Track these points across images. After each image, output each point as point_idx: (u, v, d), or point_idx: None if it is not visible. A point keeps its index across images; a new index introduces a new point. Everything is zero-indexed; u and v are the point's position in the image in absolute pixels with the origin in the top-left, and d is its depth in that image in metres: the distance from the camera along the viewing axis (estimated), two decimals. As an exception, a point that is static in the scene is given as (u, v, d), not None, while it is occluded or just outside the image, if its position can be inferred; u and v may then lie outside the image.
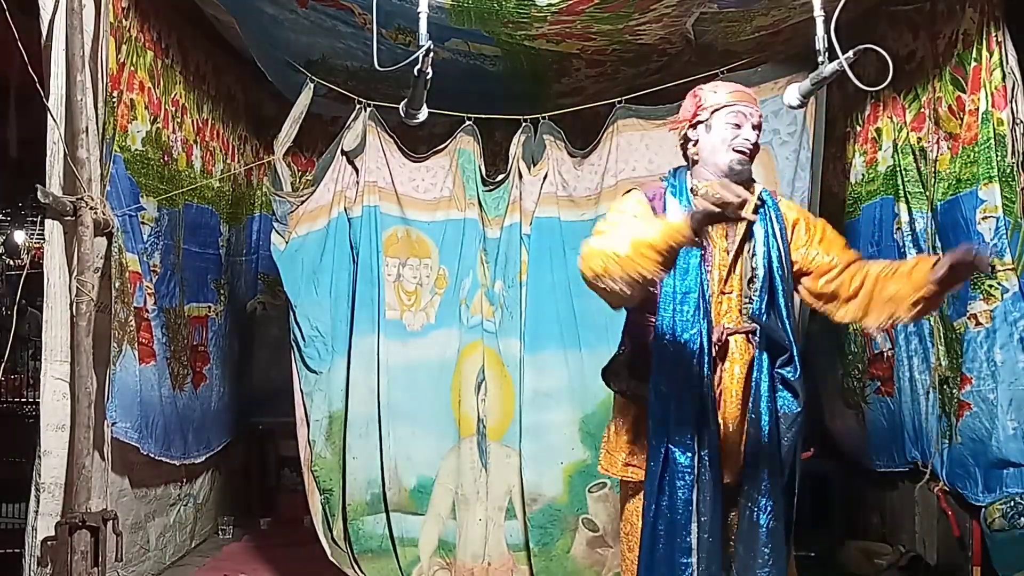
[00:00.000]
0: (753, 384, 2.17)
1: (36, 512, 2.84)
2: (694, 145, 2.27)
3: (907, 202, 3.38)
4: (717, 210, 1.83)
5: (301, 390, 3.63)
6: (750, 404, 2.17)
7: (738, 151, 2.18)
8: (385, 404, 3.64)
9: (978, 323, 3.01)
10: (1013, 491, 2.89)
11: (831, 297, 2.22)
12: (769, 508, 2.11)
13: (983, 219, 2.97)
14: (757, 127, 2.22)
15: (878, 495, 3.86)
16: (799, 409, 2.17)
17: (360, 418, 3.64)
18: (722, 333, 2.18)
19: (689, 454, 2.11)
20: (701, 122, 2.24)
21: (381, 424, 3.63)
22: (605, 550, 3.58)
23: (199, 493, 4.24)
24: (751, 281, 2.20)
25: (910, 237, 3.37)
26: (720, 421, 2.17)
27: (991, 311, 2.96)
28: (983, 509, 2.98)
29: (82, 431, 2.82)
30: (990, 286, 2.96)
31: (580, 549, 3.59)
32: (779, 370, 2.17)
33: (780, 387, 2.18)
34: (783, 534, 2.14)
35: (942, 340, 3.23)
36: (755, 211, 2.18)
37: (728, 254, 2.21)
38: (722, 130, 2.20)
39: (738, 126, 2.19)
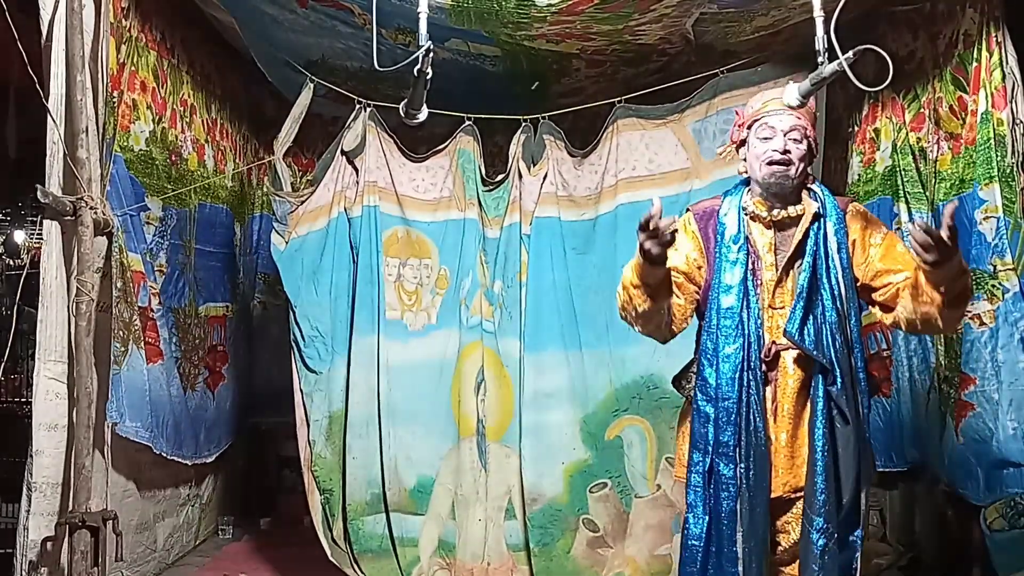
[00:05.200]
0: (810, 401, 2.15)
1: (28, 512, 2.84)
2: (744, 163, 2.29)
3: (907, 202, 3.37)
4: (643, 239, 1.98)
5: (301, 390, 3.64)
6: (807, 421, 2.15)
7: (771, 163, 2.16)
8: (385, 404, 3.64)
9: (982, 323, 3.01)
10: (1013, 491, 2.89)
11: (895, 311, 2.16)
12: (821, 527, 2.08)
13: (984, 219, 2.97)
14: (792, 132, 2.17)
15: (878, 495, 3.86)
16: (848, 426, 2.11)
17: (360, 418, 3.64)
18: (771, 348, 2.17)
19: (732, 466, 2.12)
20: (744, 140, 2.27)
21: (381, 424, 3.63)
22: (606, 550, 3.58)
23: (204, 493, 4.25)
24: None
25: (911, 237, 3.36)
26: (772, 435, 2.16)
27: (994, 311, 2.96)
28: (983, 509, 2.98)
29: (82, 431, 2.82)
30: (993, 286, 2.96)
31: (580, 549, 3.59)
32: (829, 387, 2.12)
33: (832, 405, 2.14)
34: (836, 554, 2.09)
35: (941, 340, 3.23)
36: (806, 229, 2.17)
37: (776, 269, 2.19)
38: (755, 145, 2.21)
39: (768, 138, 2.18)
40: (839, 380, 2.10)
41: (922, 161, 3.32)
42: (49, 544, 2.79)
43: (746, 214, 2.24)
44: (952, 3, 3.13)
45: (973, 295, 2.10)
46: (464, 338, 3.74)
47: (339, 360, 3.66)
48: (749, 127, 2.25)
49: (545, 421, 3.61)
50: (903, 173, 3.39)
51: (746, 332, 2.15)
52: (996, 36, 2.94)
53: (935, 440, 3.26)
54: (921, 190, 3.32)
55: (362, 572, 3.54)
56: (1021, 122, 2.92)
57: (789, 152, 2.16)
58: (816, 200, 2.22)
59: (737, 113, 2.35)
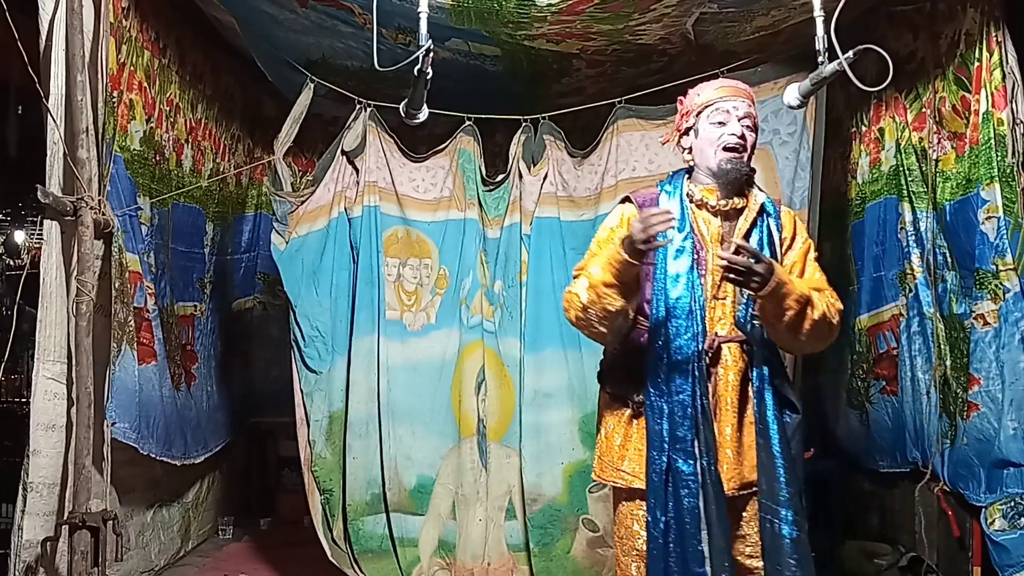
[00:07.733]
0: (755, 394, 2.13)
1: (23, 511, 2.83)
2: (689, 152, 2.26)
3: (911, 202, 3.37)
4: (642, 238, 1.94)
5: (301, 390, 3.64)
6: (755, 414, 2.13)
7: (727, 149, 2.14)
8: (385, 404, 3.64)
9: (986, 323, 3.00)
10: (1013, 491, 2.89)
11: None
12: (790, 518, 2.07)
13: (986, 219, 2.97)
14: (745, 119, 2.16)
15: (878, 495, 3.86)
16: (798, 416, 2.15)
17: (360, 418, 3.64)
18: (714, 340, 2.14)
19: (691, 461, 2.08)
20: (690, 128, 2.24)
21: (381, 424, 3.63)
22: (605, 550, 3.58)
23: (191, 493, 4.20)
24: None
25: (914, 237, 3.37)
26: (716, 429, 2.13)
27: (997, 311, 2.96)
28: (983, 509, 2.98)
29: (82, 431, 2.82)
30: (996, 287, 2.96)
31: (580, 549, 3.59)
32: (774, 379, 2.13)
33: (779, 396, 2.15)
34: (807, 543, 2.10)
35: (944, 340, 3.22)
36: (754, 219, 2.18)
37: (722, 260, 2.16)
38: (708, 130, 2.18)
39: (722, 123, 2.16)
40: (784, 368, 2.15)
41: (924, 161, 3.32)
42: (48, 544, 2.79)
43: (692, 202, 2.20)
44: (953, 3, 3.12)
45: (823, 323, 2.09)
46: (465, 338, 3.74)
47: (339, 360, 3.66)
48: (698, 114, 2.21)
49: (544, 421, 3.61)
50: (907, 173, 3.40)
51: (695, 323, 2.12)
52: (996, 36, 2.94)
53: (936, 440, 3.26)
54: (925, 189, 3.32)
55: (362, 572, 3.54)
56: (1021, 122, 2.92)
57: (744, 139, 2.15)
58: (762, 193, 2.23)
59: (680, 102, 2.30)
